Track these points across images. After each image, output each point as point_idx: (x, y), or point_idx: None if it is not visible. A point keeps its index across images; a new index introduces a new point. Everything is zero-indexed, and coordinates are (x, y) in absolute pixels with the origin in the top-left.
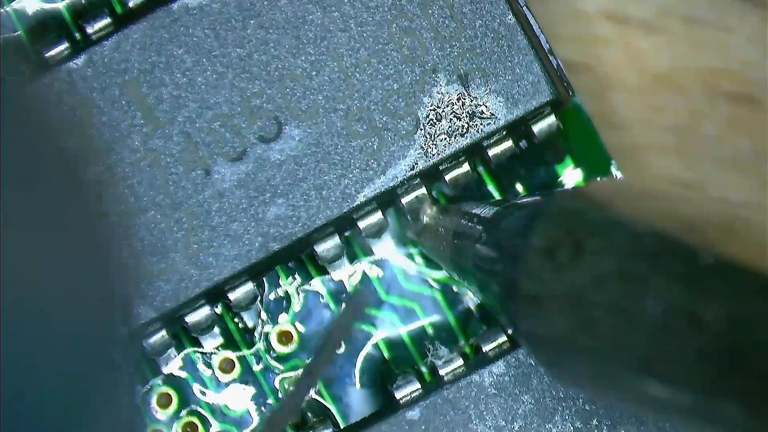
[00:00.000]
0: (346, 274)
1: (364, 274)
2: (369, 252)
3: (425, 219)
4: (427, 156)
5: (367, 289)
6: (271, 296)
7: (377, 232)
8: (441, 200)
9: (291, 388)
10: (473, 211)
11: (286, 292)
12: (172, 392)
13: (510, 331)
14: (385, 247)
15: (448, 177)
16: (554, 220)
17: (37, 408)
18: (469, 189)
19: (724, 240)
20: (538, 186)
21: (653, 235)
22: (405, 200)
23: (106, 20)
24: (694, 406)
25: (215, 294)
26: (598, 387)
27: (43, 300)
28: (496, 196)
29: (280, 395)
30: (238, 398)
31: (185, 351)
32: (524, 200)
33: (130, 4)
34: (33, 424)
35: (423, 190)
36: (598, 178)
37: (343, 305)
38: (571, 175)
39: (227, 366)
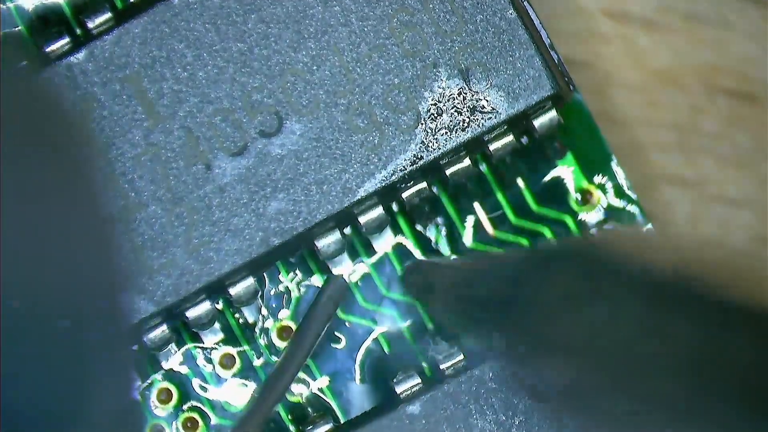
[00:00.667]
0: (347, 269)
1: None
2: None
3: (429, 278)
4: (428, 150)
5: (339, 278)
6: (272, 291)
7: (377, 227)
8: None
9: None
10: (477, 262)
11: (287, 288)
12: (172, 387)
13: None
14: (386, 242)
15: (449, 171)
16: (571, 266)
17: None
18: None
19: (732, 281)
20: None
21: (671, 281)
22: (405, 194)
23: (107, 15)
24: None
25: (216, 289)
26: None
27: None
28: (496, 191)
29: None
30: (239, 393)
31: (186, 346)
32: (528, 250)
33: None
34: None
35: (424, 185)
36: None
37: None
38: (569, 172)
39: (228, 361)
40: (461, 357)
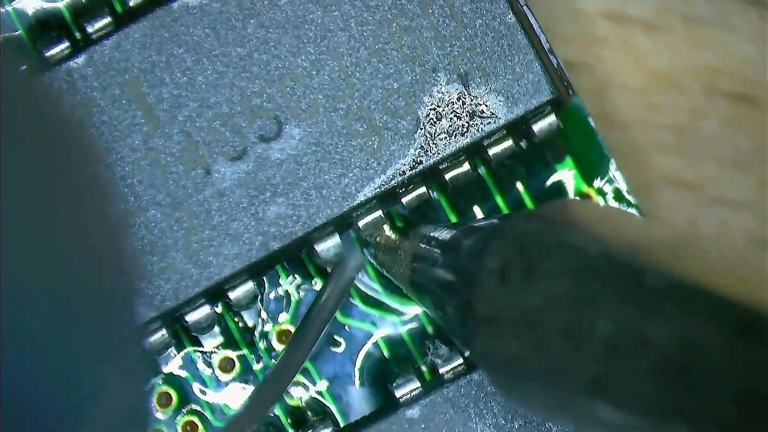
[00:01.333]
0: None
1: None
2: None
3: (384, 242)
4: (427, 155)
5: (353, 255)
6: (272, 295)
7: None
8: (398, 223)
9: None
10: (431, 234)
11: (287, 292)
12: (172, 391)
13: (466, 354)
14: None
15: (448, 176)
16: (508, 242)
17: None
18: (425, 211)
19: (675, 261)
20: (540, 188)
21: (604, 256)
22: (405, 199)
23: (107, 19)
24: (643, 429)
25: (215, 293)
26: (550, 409)
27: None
28: (496, 195)
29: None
30: (238, 397)
31: (185, 350)
32: (480, 223)
33: (131, 3)
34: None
35: (423, 190)
36: (555, 201)
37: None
38: (569, 176)
39: (227, 365)
40: (461, 361)
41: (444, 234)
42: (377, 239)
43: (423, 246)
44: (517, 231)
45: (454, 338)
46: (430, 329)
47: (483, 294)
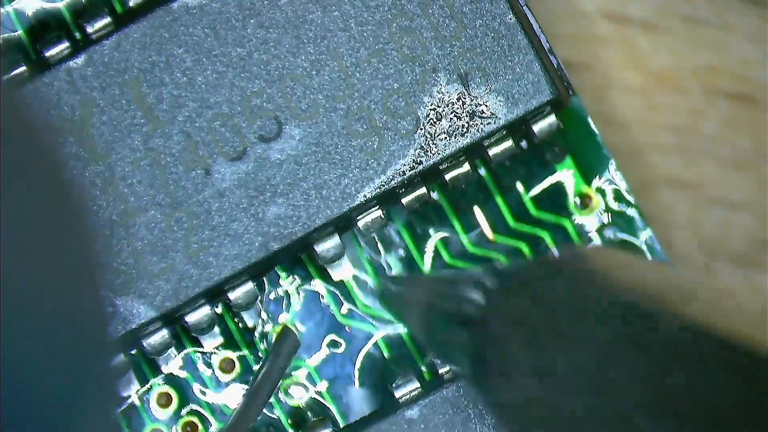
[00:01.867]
0: (347, 274)
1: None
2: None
3: (401, 290)
4: (427, 155)
5: (291, 331)
6: (272, 296)
7: (378, 230)
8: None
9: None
10: (442, 281)
11: (286, 292)
12: (172, 392)
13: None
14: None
15: (448, 176)
16: (520, 293)
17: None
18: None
19: (689, 305)
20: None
21: (618, 305)
22: (405, 200)
23: (106, 20)
24: None
25: (215, 293)
26: None
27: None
28: (495, 196)
29: (279, 395)
30: (238, 398)
31: (185, 351)
32: (491, 270)
33: (131, 4)
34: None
35: (423, 190)
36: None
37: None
38: (569, 176)
39: (227, 366)
40: None
41: (454, 283)
42: (396, 288)
43: (434, 294)
44: (527, 281)
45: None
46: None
47: (496, 347)
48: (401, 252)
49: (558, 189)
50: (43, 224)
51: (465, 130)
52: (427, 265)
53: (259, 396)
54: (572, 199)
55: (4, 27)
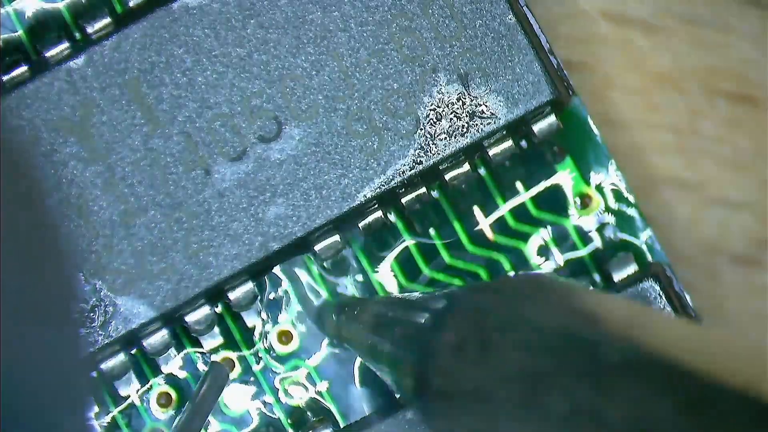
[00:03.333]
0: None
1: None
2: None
3: (342, 317)
4: (427, 155)
5: (222, 365)
6: (271, 296)
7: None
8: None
9: None
10: (391, 304)
11: (286, 292)
12: (172, 391)
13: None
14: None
15: (448, 176)
16: (463, 316)
17: None
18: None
19: (630, 332)
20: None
21: (559, 331)
22: (405, 199)
23: (106, 20)
24: None
25: (215, 294)
26: None
27: None
28: (495, 196)
29: (279, 395)
30: (238, 398)
31: (185, 351)
32: (436, 295)
33: (131, 4)
34: None
35: (423, 190)
36: (511, 273)
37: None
38: (569, 177)
39: (227, 366)
40: None
41: (400, 306)
42: (335, 314)
43: (382, 315)
44: (473, 305)
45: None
46: None
47: (439, 368)
48: (359, 277)
49: (558, 189)
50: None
51: (465, 130)
52: (389, 287)
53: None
54: (572, 199)
55: (4, 27)
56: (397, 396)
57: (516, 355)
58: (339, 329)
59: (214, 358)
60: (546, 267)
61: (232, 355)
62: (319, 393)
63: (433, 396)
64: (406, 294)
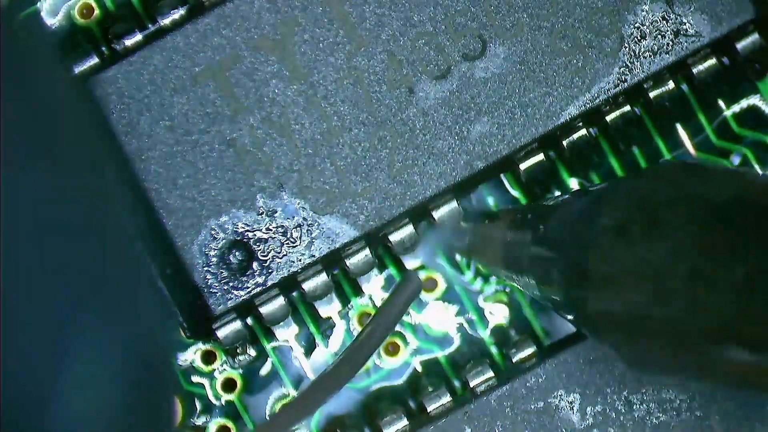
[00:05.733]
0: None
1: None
2: None
3: (469, 229)
4: (631, 73)
5: (415, 274)
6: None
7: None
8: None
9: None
10: (526, 209)
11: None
12: (374, 312)
13: (573, 320)
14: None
15: (652, 94)
16: (623, 200)
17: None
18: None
19: None
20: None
21: (733, 201)
22: (609, 117)
23: None
24: None
25: (419, 212)
26: (676, 362)
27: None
28: (698, 113)
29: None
30: (440, 317)
31: (387, 271)
32: (580, 190)
33: None
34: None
35: (627, 108)
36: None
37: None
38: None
39: (430, 285)
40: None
41: (539, 206)
42: (462, 228)
43: (519, 220)
44: (632, 187)
45: (561, 311)
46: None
47: (599, 253)
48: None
49: (760, 107)
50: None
51: (669, 48)
52: None
53: (373, 339)
54: None
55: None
56: (544, 302)
57: (688, 228)
58: (468, 246)
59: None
60: None
61: (435, 274)
62: (520, 312)
63: (593, 283)
64: (535, 204)
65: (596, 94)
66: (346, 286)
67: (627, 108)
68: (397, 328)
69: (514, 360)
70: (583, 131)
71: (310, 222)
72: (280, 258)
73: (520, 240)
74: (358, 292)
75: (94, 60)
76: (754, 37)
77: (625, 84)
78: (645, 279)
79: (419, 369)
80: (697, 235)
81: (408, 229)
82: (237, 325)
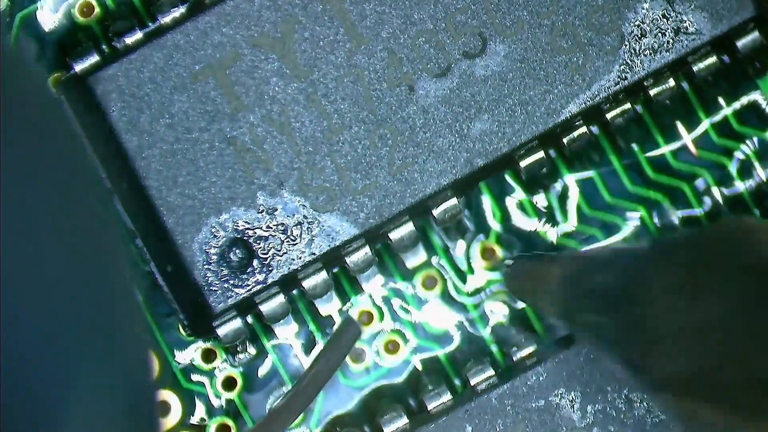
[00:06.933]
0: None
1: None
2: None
3: (523, 269)
4: (632, 71)
5: (353, 320)
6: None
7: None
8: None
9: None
10: (580, 259)
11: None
12: (374, 311)
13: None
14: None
15: (652, 92)
16: (679, 260)
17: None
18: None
19: None
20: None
21: None
22: (609, 115)
23: None
24: None
25: (420, 210)
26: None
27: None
28: (698, 111)
29: (487, 312)
30: (440, 316)
31: (388, 269)
32: (633, 247)
33: None
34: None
35: (627, 105)
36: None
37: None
38: None
39: (429, 283)
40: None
41: (594, 259)
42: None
43: (575, 271)
44: (684, 249)
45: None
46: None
47: (656, 309)
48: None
49: (760, 104)
50: None
51: (670, 46)
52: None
53: (314, 385)
54: None
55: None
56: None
57: (733, 287)
58: (528, 291)
59: (419, 276)
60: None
61: (434, 273)
62: (522, 310)
63: (646, 340)
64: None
65: (596, 92)
66: (346, 284)
67: (627, 106)
68: (397, 326)
69: (514, 358)
70: (584, 129)
71: (310, 220)
72: (281, 256)
73: (575, 294)
74: (358, 290)
75: (95, 58)
76: (754, 35)
77: (626, 82)
78: (695, 338)
79: (419, 367)
80: (743, 292)
81: (408, 227)
82: (237, 323)
